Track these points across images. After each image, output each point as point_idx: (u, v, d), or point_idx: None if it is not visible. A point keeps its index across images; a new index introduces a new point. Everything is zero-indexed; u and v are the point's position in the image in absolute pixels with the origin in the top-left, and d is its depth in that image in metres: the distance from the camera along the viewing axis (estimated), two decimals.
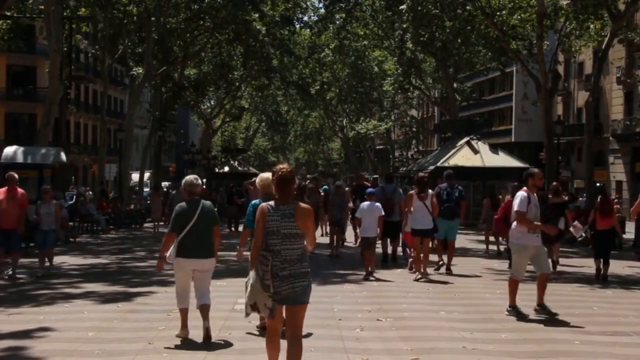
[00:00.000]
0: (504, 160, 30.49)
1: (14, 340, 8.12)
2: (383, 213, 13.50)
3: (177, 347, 7.81)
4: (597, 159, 37.91)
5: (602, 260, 13.74)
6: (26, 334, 8.44)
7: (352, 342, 8.02)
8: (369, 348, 7.77)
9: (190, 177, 8.32)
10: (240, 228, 25.94)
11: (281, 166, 6.16)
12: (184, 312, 8.14)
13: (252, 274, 5.94)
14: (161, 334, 8.45)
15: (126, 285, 12.39)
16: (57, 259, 16.77)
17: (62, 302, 10.64)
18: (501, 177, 28.39)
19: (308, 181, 23.49)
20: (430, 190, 13.55)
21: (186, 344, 7.95)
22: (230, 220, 27.15)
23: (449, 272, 13.96)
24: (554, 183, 17.57)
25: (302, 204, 6.08)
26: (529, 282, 13.27)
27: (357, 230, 17.48)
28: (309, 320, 9.18)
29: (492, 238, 18.29)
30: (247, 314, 6.19)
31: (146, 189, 40.91)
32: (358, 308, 10.13)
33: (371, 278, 13.07)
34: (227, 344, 7.95)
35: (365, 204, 13.54)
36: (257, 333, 8.31)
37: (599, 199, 14.56)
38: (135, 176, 43.85)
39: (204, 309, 8.00)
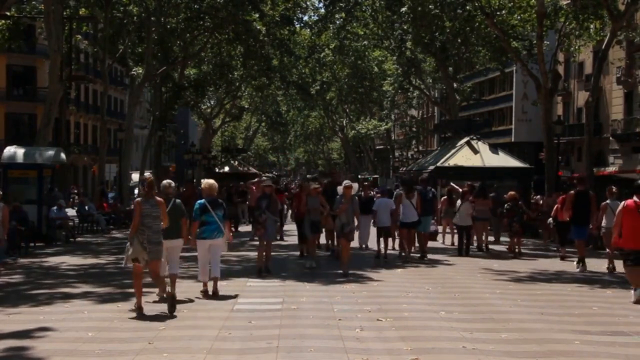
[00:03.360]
0: (503, 160, 30.42)
1: (14, 340, 8.12)
2: (394, 207, 16.35)
3: (177, 347, 7.82)
4: (597, 159, 37.91)
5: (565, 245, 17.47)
6: (26, 334, 8.44)
7: (352, 342, 8.02)
8: (369, 348, 7.76)
9: (165, 182, 11.17)
10: (240, 228, 26.15)
11: (148, 175, 9.70)
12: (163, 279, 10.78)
13: (135, 241, 9.52)
14: (161, 334, 8.46)
15: (126, 285, 12.36)
16: (57, 259, 16.79)
17: (62, 302, 10.65)
18: (501, 177, 28.38)
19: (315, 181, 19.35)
20: (415, 191, 16.71)
21: (186, 344, 7.96)
22: (230, 220, 26.97)
23: (425, 258, 16.77)
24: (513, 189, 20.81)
25: (158, 198, 10.00)
26: (529, 282, 13.30)
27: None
28: (308, 320, 9.23)
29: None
30: (126, 265, 9.98)
31: None
32: (358, 308, 10.12)
33: (384, 259, 16.09)
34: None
35: (381, 199, 16.70)
36: (201, 296, 11.01)
37: (560, 197, 17.89)
38: (135, 176, 43.80)
39: (172, 277, 10.58)
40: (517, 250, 18.17)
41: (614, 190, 15.15)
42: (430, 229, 18.16)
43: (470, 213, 18.11)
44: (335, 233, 15.68)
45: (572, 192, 16.10)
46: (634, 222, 10.92)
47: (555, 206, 18.11)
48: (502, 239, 21.10)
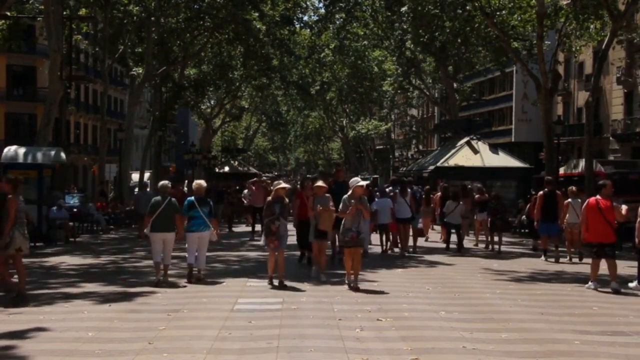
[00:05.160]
0: (503, 160, 30.50)
1: (13, 340, 8.11)
2: (392, 206, 17.42)
3: (177, 347, 7.81)
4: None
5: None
6: (26, 334, 8.44)
7: (352, 342, 8.02)
8: (369, 348, 7.76)
9: (163, 182, 12.95)
10: (236, 229, 26.13)
11: (18, 177, 11.47)
12: (157, 265, 12.31)
13: (17, 233, 10.64)
14: (161, 334, 8.45)
15: (126, 285, 12.38)
16: (57, 259, 16.78)
17: (62, 302, 10.63)
18: (501, 177, 28.39)
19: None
20: (409, 190, 18.30)
21: (186, 344, 7.96)
22: (230, 219, 26.97)
23: (414, 252, 18.10)
24: (479, 185, 22.89)
25: (20, 197, 11.15)
26: (528, 282, 13.30)
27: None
28: (308, 320, 9.23)
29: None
30: (9, 252, 10.84)
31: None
32: (358, 308, 10.12)
33: (389, 252, 17.75)
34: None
35: (381, 200, 17.57)
36: (187, 284, 12.36)
37: (533, 198, 18.98)
38: (135, 176, 43.76)
39: (165, 267, 12.45)
40: (498, 247, 18.91)
41: (574, 189, 16.96)
42: (418, 226, 19.84)
43: (462, 213, 19.39)
44: (336, 237, 14.08)
45: (541, 192, 17.45)
46: (596, 218, 12.11)
47: (528, 205, 20.23)
48: (481, 237, 21.48)
